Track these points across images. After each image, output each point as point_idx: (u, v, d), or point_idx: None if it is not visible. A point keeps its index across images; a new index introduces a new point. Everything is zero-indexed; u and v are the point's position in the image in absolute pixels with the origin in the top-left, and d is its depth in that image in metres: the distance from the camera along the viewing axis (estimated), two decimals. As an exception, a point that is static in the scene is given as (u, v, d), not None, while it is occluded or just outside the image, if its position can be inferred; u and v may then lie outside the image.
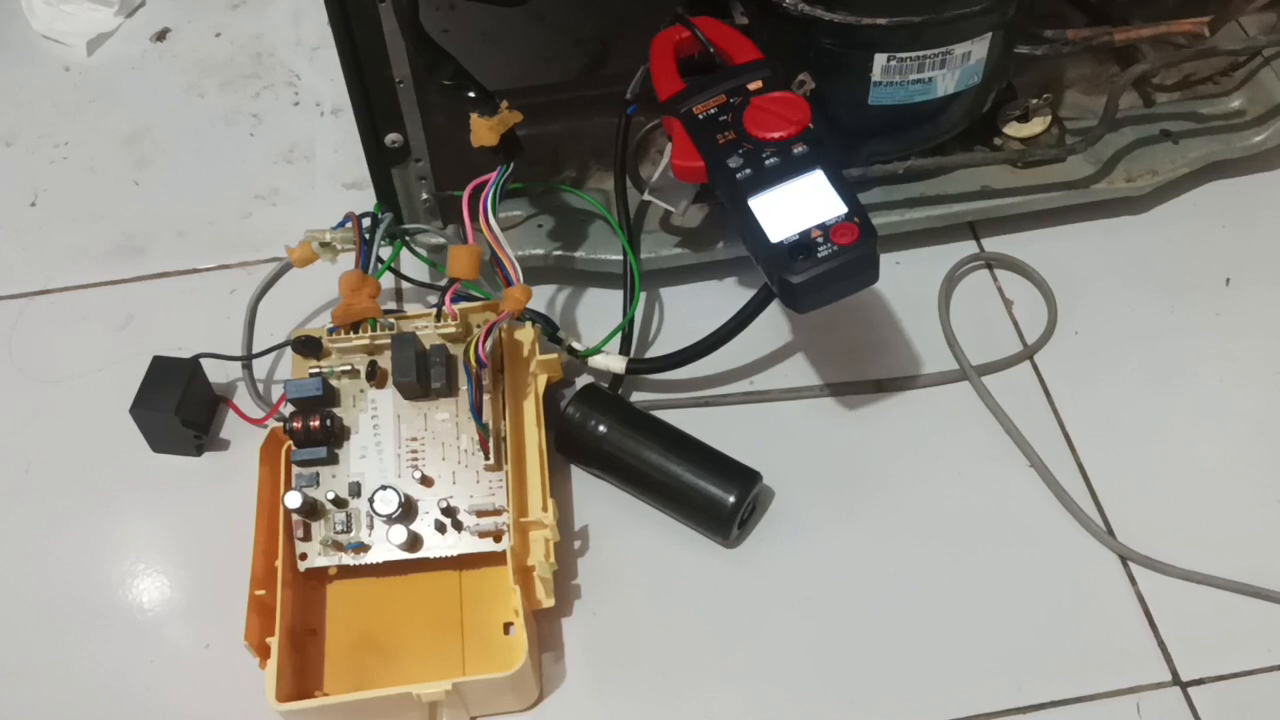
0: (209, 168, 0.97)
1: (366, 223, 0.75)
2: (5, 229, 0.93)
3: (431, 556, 0.69)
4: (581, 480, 0.78)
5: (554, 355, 0.77)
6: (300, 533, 0.69)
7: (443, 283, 0.74)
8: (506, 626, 0.70)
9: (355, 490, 0.70)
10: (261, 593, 0.67)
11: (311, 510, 0.69)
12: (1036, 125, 0.86)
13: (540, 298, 0.85)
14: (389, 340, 0.71)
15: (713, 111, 0.73)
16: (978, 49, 0.76)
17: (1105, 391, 0.81)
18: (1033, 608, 0.72)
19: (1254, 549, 0.73)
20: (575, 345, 0.79)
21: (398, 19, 0.68)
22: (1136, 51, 0.87)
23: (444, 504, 0.69)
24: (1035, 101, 0.86)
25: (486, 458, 0.70)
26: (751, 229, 0.69)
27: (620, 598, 0.73)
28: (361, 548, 0.69)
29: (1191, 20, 0.79)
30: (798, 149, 0.70)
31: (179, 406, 0.76)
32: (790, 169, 0.70)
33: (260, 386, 0.81)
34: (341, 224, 0.75)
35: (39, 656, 0.72)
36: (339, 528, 0.69)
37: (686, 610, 0.72)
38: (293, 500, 0.68)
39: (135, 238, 0.92)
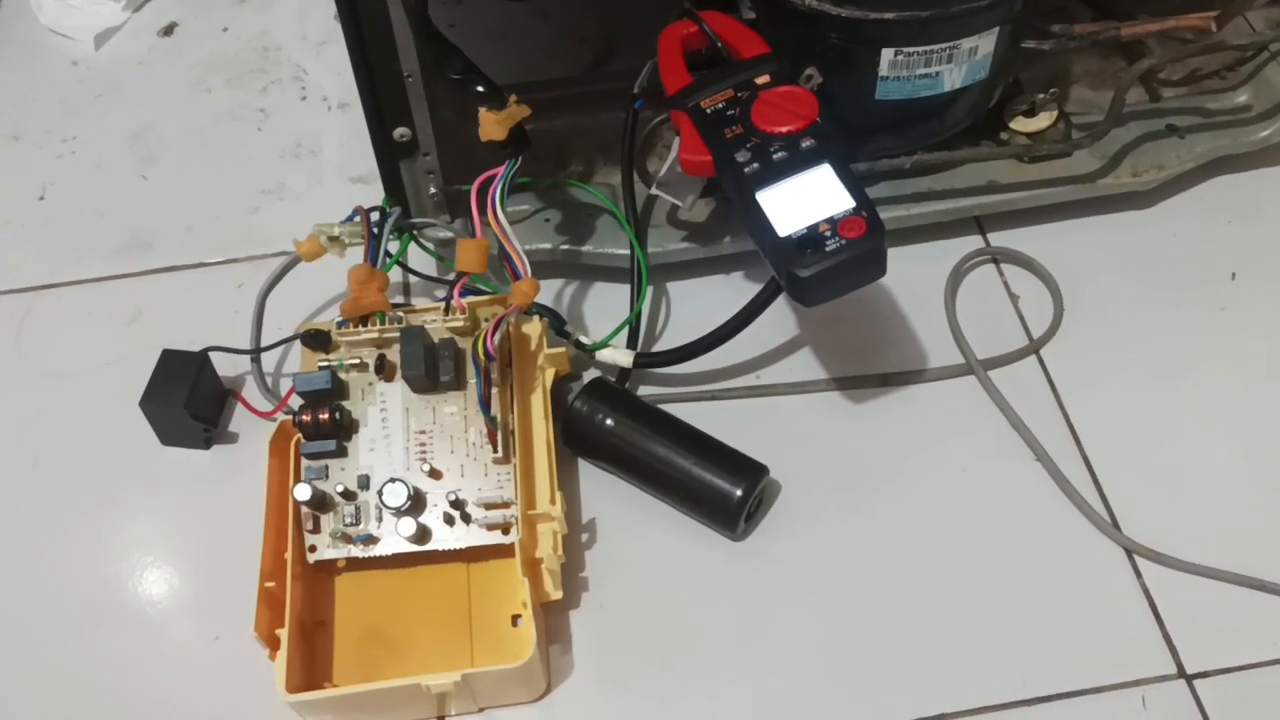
0: (216, 163, 0.97)
1: (375, 217, 0.76)
2: (13, 224, 0.94)
3: (440, 549, 0.69)
4: (589, 474, 0.78)
5: (562, 349, 0.77)
6: (309, 525, 0.70)
7: (451, 276, 0.75)
8: (514, 619, 0.70)
9: (364, 483, 0.70)
10: (271, 585, 0.68)
11: (320, 503, 0.69)
12: (1043, 120, 0.86)
13: (548, 292, 0.85)
14: (397, 334, 0.72)
15: (720, 106, 0.73)
16: (984, 44, 0.76)
17: (1111, 386, 0.81)
18: (1038, 601, 0.72)
19: (1259, 542, 0.73)
20: (583, 339, 0.79)
21: (406, 13, 0.68)
22: (1143, 46, 0.87)
23: (452, 497, 0.69)
24: (1042, 96, 0.86)
25: (495, 451, 0.70)
26: (759, 223, 0.69)
27: (627, 591, 0.73)
28: (370, 540, 0.69)
29: (1198, 15, 0.79)
30: (805, 143, 0.71)
31: (188, 400, 0.76)
32: (798, 163, 0.70)
33: (269, 380, 0.81)
34: (350, 218, 0.76)
35: (49, 650, 0.72)
36: (348, 520, 0.69)
37: (693, 603, 0.73)
38: (302, 493, 0.68)
39: (143, 232, 0.92)
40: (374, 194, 0.80)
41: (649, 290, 0.83)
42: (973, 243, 0.88)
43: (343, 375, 0.72)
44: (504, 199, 0.71)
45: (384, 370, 0.72)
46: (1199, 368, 0.82)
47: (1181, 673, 0.69)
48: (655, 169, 0.79)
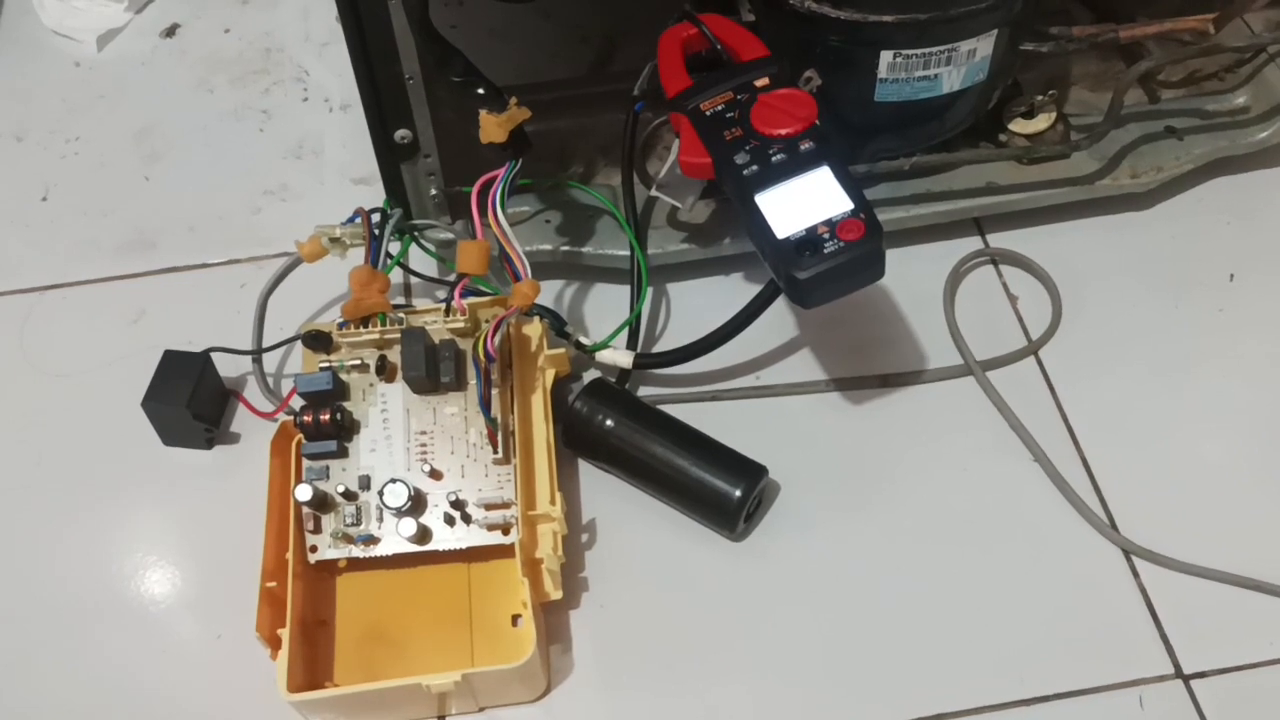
0: (219, 163, 0.97)
1: (376, 218, 0.76)
2: (17, 224, 0.94)
3: (440, 549, 0.70)
4: (589, 474, 0.78)
5: (562, 350, 0.77)
6: (310, 525, 0.70)
7: (451, 278, 0.75)
8: (515, 619, 0.71)
9: (365, 483, 0.70)
10: (272, 584, 0.68)
11: (322, 503, 0.70)
12: (1042, 122, 0.87)
13: (548, 293, 0.85)
14: (398, 335, 0.72)
15: (720, 108, 0.73)
16: (983, 46, 0.76)
17: (1109, 386, 0.81)
18: (1036, 601, 0.72)
19: (1256, 542, 0.74)
20: (583, 340, 0.80)
21: (407, 15, 0.68)
22: (1142, 48, 0.87)
23: (453, 497, 0.69)
24: (1040, 98, 0.86)
25: (495, 451, 0.70)
26: (758, 225, 0.69)
27: (627, 591, 0.73)
28: (371, 540, 0.70)
29: (1196, 17, 0.79)
30: (804, 145, 0.71)
31: (190, 400, 0.77)
32: (797, 165, 0.70)
33: (270, 380, 0.82)
34: (351, 219, 0.76)
35: (52, 648, 0.73)
36: (349, 520, 0.70)
37: (693, 603, 0.73)
38: (303, 493, 0.69)
39: (146, 233, 0.93)
40: (375, 195, 0.80)
41: (649, 291, 0.83)
42: (972, 244, 0.88)
43: (344, 376, 0.72)
44: (504, 200, 0.71)
45: (385, 371, 0.72)
46: (1197, 369, 0.82)
47: (1179, 673, 0.70)
48: (655, 171, 0.79)
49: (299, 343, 0.75)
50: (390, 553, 0.70)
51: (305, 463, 0.71)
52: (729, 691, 0.70)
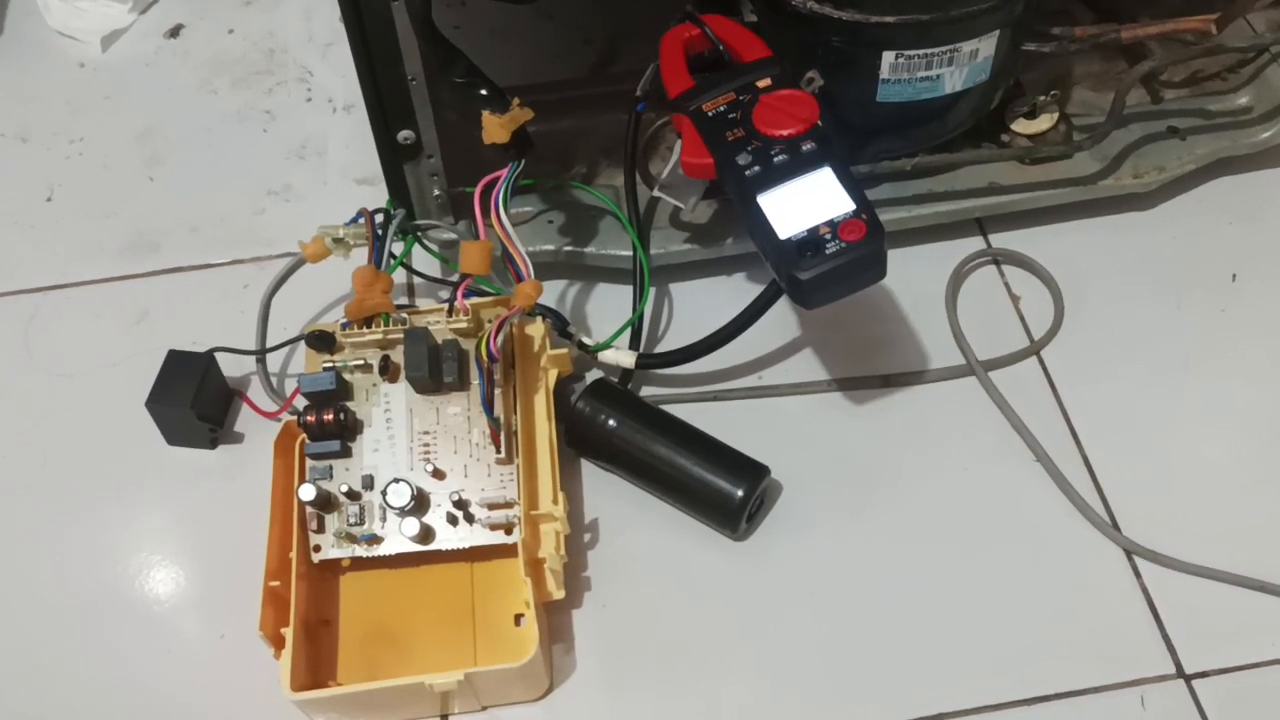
0: (222, 164, 0.97)
1: (379, 218, 0.76)
2: (21, 224, 0.94)
3: (443, 549, 0.70)
4: (591, 474, 0.78)
5: (564, 350, 0.77)
6: (314, 525, 0.70)
7: (454, 278, 0.75)
8: (517, 618, 0.71)
9: (368, 483, 0.70)
10: (276, 584, 0.68)
11: (325, 503, 0.70)
12: (1044, 122, 0.87)
13: (551, 293, 0.85)
14: (401, 335, 0.72)
15: (722, 109, 0.73)
16: (985, 46, 0.76)
17: (1111, 387, 0.81)
18: (1038, 601, 0.72)
19: (1258, 543, 0.74)
20: (585, 340, 0.80)
21: (410, 16, 0.69)
22: (1144, 48, 0.87)
23: (456, 497, 0.70)
24: (1043, 98, 0.86)
25: (498, 451, 0.70)
26: (760, 226, 0.69)
27: (629, 590, 0.74)
28: (374, 540, 0.70)
29: (1199, 18, 0.79)
30: (806, 146, 0.71)
31: (194, 400, 0.77)
32: (799, 166, 0.70)
33: (274, 380, 0.82)
34: (354, 220, 0.76)
35: (56, 647, 0.73)
36: (352, 520, 0.70)
37: (695, 603, 0.73)
38: (306, 493, 0.69)
39: (149, 233, 0.93)
40: (379, 196, 0.80)
41: (651, 292, 0.83)
42: (974, 244, 0.88)
43: (347, 376, 0.72)
44: (507, 201, 0.72)
45: (388, 371, 0.73)
46: (1199, 369, 0.82)
47: (1180, 673, 0.70)
48: (658, 171, 0.80)
49: (302, 343, 0.76)
50: (393, 552, 0.70)
51: (309, 462, 0.71)
52: (731, 691, 0.70)
